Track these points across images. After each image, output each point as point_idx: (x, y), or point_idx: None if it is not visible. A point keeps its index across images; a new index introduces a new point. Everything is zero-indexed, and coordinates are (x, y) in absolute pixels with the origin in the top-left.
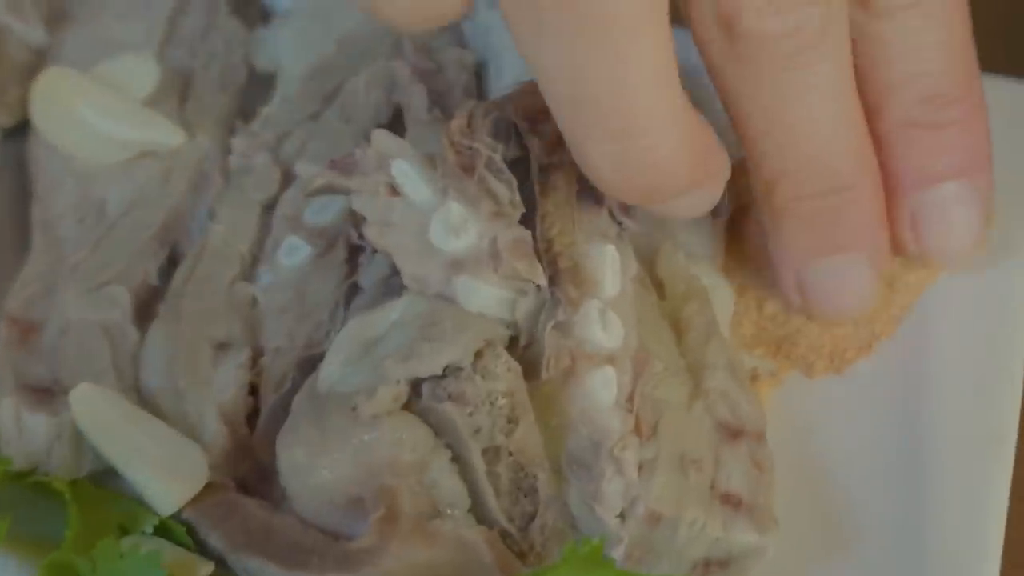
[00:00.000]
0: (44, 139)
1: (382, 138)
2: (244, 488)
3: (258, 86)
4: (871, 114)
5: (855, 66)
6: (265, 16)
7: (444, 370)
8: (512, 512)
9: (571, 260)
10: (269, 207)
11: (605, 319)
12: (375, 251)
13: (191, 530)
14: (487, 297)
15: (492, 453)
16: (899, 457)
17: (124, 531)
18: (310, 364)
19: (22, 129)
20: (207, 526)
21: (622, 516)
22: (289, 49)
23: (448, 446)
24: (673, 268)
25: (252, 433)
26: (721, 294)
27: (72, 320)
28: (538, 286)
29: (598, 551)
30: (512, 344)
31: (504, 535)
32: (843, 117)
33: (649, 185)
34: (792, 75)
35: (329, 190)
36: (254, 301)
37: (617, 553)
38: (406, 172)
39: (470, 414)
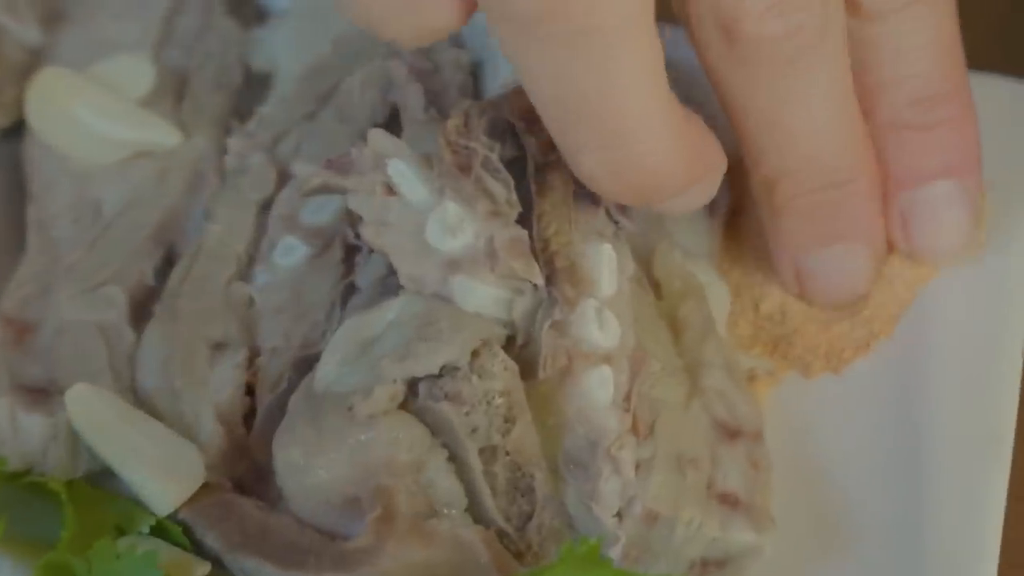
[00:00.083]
0: (40, 139)
1: (378, 138)
2: (241, 488)
3: (254, 86)
4: (862, 116)
5: None
6: (261, 16)
7: (441, 370)
8: (509, 512)
9: (568, 259)
10: (265, 207)
11: (602, 318)
12: (372, 251)
13: (187, 530)
14: (484, 296)
15: (489, 453)
16: (896, 457)
17: (120, 531)
18: (306, 364)
19: (18, 129)
20: (204, 526)
21: (619, 515)
22: (285, 49)
23: (445, 446)
24: (670, 267)
25: (248, 433)
26: (718, 293)
27: (68, 320)
28: (535, 285)
29: (595, 550)
30: (509, 343)
31: (501, 535)
32: (842, 115)
33: (646, 188)
34: (792, 78)
35: (325, 190)
36: (250, 301)
37: (614, 552)
38: (402, 172)
39: (467, 414)
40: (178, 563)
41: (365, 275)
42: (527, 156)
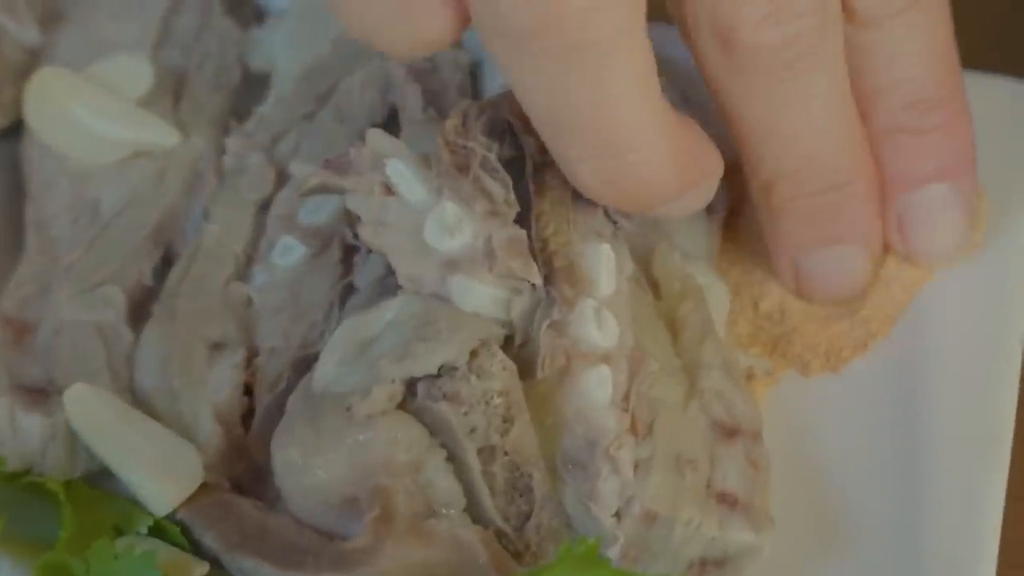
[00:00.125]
0: (38, 139)
1: (377, 137)
2: (239, 488)
3: (252, 86)
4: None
5: None
6: (259, 16)
7: (439, 370)
8: (508, 512)
9: (566, 259)
10: (264, 207)
11: (600, 318)
12: (370, 251)
13: (186, 530)
14: (482, 296)
15: (487, 453)
16: (895, 456)
17: (119, 532)
18: (305, 364)
19: (16, 129)
20: (202, 526)
21: (618, 515)
22: (283, 49)
23: (443, 446)
24: (669, 267)
25: (247, 433)
26: (717, 293)
27: (66, 320)
28: (533, 285)
29: (594, 550)
30: (507, 343)
31: (500, 535)
32: (841, 118)
33: (641, 196)
34: (790, 83)
35: (324, 190)
36: (249, 301)
37: (613, 552)
38: (401, 172)
39: (465, 414)
40: (176, 563)
41: (363, 275)
42: (525, 156)
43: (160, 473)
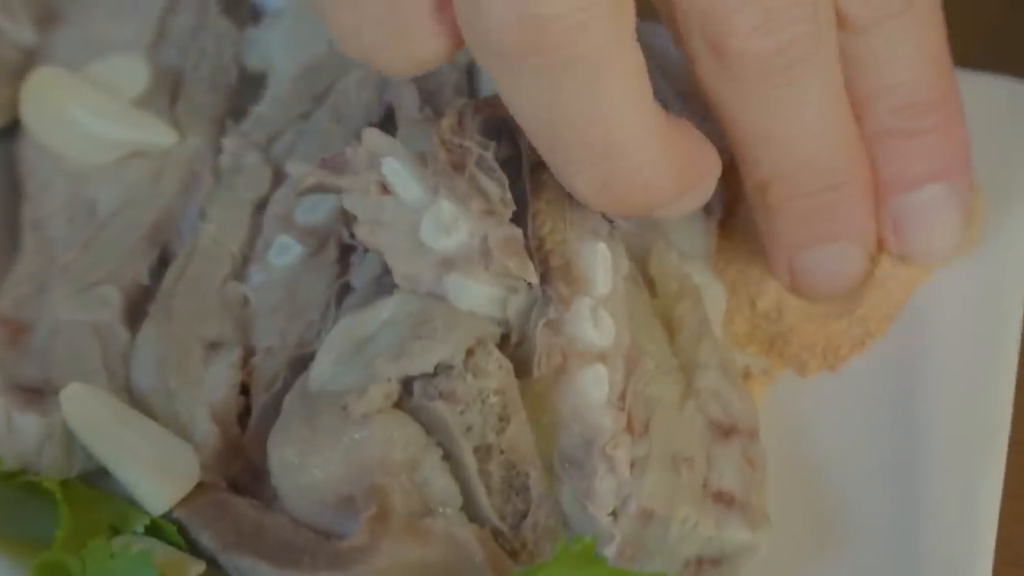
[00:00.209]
0: (34, 139)
1: (373, 137)
2: (235, 487)
3: (249, 86)
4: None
5: None
6: (256, 16)
7: (435, 368)
8: (504, 510)
9: (563, 258)
10: (260, 206)
11: (596, 317)
12: (367, 250)
13: (182, 530)
14: (478, 295)
15: (484, 451)
16: (892, 454)
17: (115, 531)
18: (301, 363)
19: (12, 129)
20: (198, 525)
21: (614, 514)
22: (280, 49)
23: (439, 444)
24: (665, 267)
25: (243, 432)
26: (714, 292)
27: (62, 320)
28: (529, 284)
29: (590, 549)
30: (503, 342)
31: (496, 533)
32: (836, 119)
33: (640, 202)
34: (785, 91)
35: (320, 189)
36: (245, 301)
37: (609, 551)
38: (397, 171)
39: (461, 412)
40: (173, 562)
41: (360, 274)
42: (522, 155)
43: (156, 472)
